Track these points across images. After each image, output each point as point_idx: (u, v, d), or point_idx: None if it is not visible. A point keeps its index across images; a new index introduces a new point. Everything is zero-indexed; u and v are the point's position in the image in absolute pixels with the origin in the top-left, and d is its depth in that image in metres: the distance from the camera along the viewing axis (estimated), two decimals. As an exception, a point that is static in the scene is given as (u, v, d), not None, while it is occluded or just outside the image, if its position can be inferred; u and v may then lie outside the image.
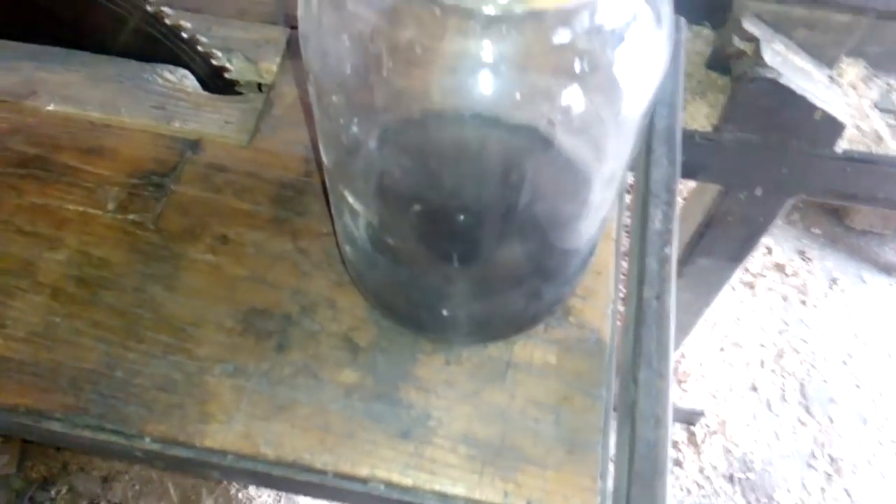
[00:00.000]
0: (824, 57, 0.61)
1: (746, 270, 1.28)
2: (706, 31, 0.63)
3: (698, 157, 0.63)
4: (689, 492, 1.08)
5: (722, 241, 0.76)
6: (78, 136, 0.43)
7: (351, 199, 0.29)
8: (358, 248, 0.33)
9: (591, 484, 0.33)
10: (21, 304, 0.37)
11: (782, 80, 0.56)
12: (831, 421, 1.15)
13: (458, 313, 0.34)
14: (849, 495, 1.09)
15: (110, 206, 0.40)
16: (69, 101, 0.45)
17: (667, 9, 0.27)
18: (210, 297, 0.37)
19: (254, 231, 0.40)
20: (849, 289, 1.28)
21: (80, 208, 0.40)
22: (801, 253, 1.31)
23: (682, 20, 0.54)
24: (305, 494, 0.68)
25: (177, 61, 0.47)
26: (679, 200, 0.47)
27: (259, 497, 1.00)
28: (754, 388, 1.17)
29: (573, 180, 0.29)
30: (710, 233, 0.74)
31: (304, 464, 0.33)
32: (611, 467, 0.34)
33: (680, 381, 1.15)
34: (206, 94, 0.46)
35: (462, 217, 0.28)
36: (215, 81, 0.47)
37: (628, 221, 0.44)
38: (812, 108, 0.57)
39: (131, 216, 0.40)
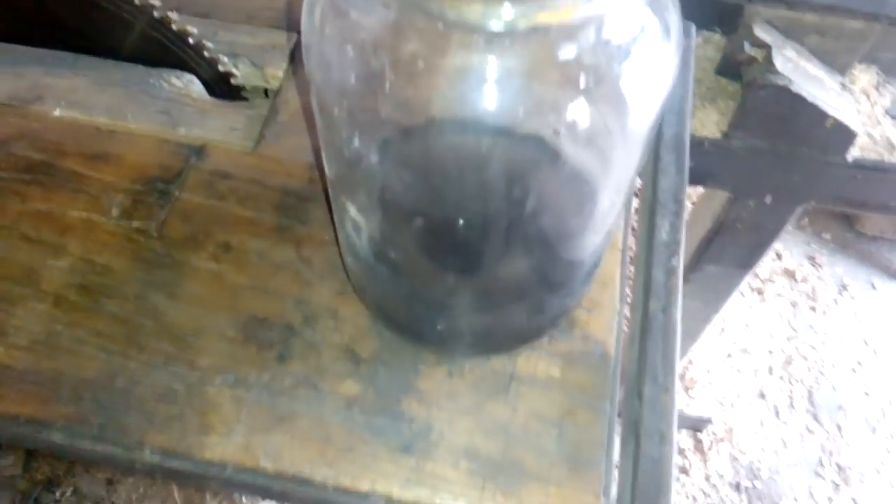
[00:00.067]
0: (836, 63, 0.60)
1: (755, 276, 1.27)
2: (717, 37, 0.63)
3: (707, 163, 0.63)
4: (694, 500, 1.07)
5: (731, 248, 0.75)
6: (83, 141, 0.43)
7: (353, 212, 0.29)
8: (360, 260, 0.33)
9: (593, 501, 0.33)
10: (23, 312, 0.36)
11: (793, 88, 0.55)
12: (839, 429, 1.14)
13: (462, 326, 0.34)
14: (857, 504, 1.08)
15: (114, 213, 0.40)
16: (75, 107, 0.45)
17: (675, 19, 0.26)
18: (212, 306, 0.37)
19: (257, 239, 0.40)
20: (859, 295, 1.27)
21: (85, 215, 0.40)
22: (811, 258, 1.30)
23: (692, 26, 0.53)
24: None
25: (183, 66, 0.47)
26: (687, 205, 0.46)
27: (262, 502, 1.00)
28: (762, 395, 1.16)
29: (578, 194, 0.29)
30: (719, 240, 0.74)
31: (303, 477, 0.33)
32: (614, 483, 0.34)
33: (687, 388, 1.15)
34: (211, 99, 0.46)
35: (466, 231, 0.28)
36: (221, 87, 0.47)
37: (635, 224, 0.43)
38: (823, 115, 0.57)
39: (135, 223, 0.40)
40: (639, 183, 0.46)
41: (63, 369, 0.35)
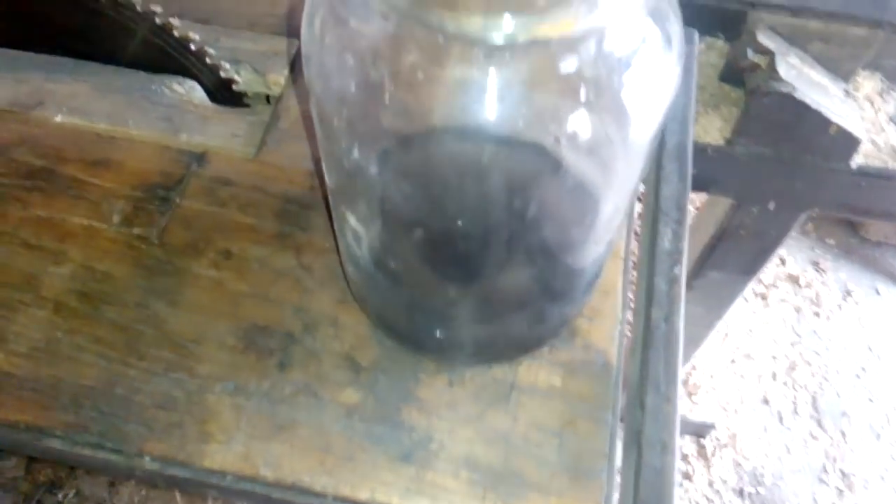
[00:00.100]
0: (840, 70, 0.60)
1: (759, 281, 1.26)
2: (720, 43, 0.62)
3: (710, 170, 0.63)
4: (697, 505, 1.07)
5: (734, 255, 0.75)
6: (85, 147, 0.43)
7: (353, 221, 0.29)
8: (360, 269, 0.33)
9: (594, 511, 0.33)
10: (24, 319, 0.36)
11: (797, 95, 0.55)
12: (843, 435, 1.13)
13: (462, 336, 0.34)
14: (860, 511, 1.07)
15: (115, 220, 0.40)
16: (77, 113, 0.45)
17: (676, 29, 0.26)
18: (212, 314, 0.37)
19: (257, 246, 0.39)
20: (863, 301, 1.27)
21: (85, 221, 0.40)
22: (815, 264, 1.30)
23: (695, 33, 0.53)
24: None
25: (185, 73, 0.47)
26: (691, 209, 0.46)
27: None
28: (766, 401, 1.16)
29: (579, 204, 0.28)
30: (722, 246, 0.74)
31: (303, 486, 0.32)
32: (616, 493, 0.34)
33: (690, 393, 1.14)
34: (213, 106, 0.46)
35: (466, 242, 0.27)
36: (223, 93, 0.47)
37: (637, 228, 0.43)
38: (827, 122, 0.57)
39: (136, 230, 0.40)
40: (641, 188, 0.45)
41: (63, 376, 0.35)
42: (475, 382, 0.36)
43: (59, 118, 0.44)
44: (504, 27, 0.20)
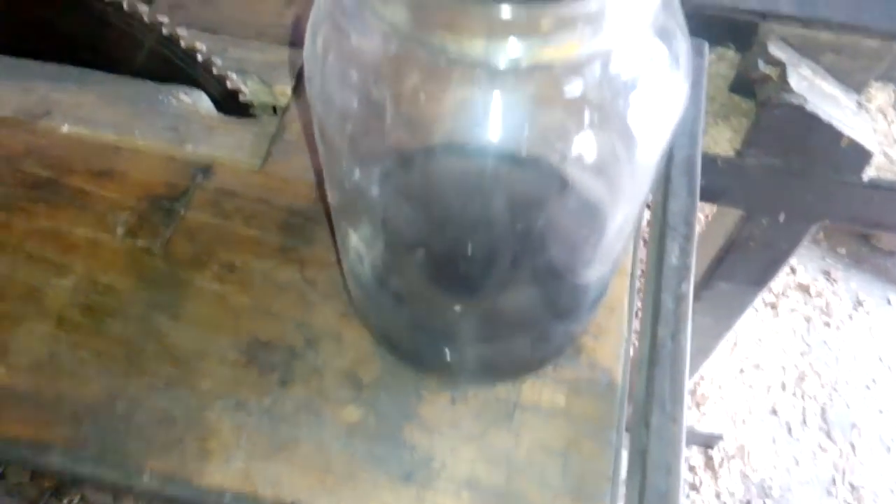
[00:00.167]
0: (852, 82, 0.59)
1: (769, 290, 1.25)
2: (731, 54, 0.62)
3: (720, 181, 0.62)
4: (704, 517, 1.06)
5: (743, 266, 0.74)
6: (90, 158, 0.43)
7: (355, 240, 0.29)
8: (363, 287, 0.32)
9: (598, 534, 0.32)
10: (26, 332, 0.36)
11: (808, 107, 0.55)
12: (853, 447, 1.12)
13: (466, 355, 0.34)
14: (870, 525, 1.06)
15: (119, 232, 0.40)
16: (83, 122, 0.45)
17: (684, 47, 0.26)
18: (214, 328, 0.37)
19: (261, 259, 0.39)
20: (874, 311, 1.25)
21: (90, 233, 0.40)
22: (826, 273, 1.29)
23: (706, 44, 0.53)
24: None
25: (192, 83, 0.46)
26: (700, 217, 0.45)
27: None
28: (774, 412, 1.15)
29: (584, 225, 0.28)
30: (732, 257, 0.73)
31: (303, 505, 0.32)
32: (619, 516, 0.33)
33: (698, 404, 1.13)
34: (219, 116, 0.46)
35: (469, 263, 0.27)
36: (229, 104, 0.47)
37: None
38: (838, 135, 0.56)
39: (139, 242, 0.40)
40: (649, 197, 0.45)
41: (64, 391, 0.35)
42: (478, 400, 0.35)
43: (65, 128, 0.44)
44: (507, 51, 0.20)
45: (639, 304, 0.41)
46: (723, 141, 0.61)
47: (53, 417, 0.34)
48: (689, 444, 1.09)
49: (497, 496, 0.33)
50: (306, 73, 0.25)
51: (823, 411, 1.15)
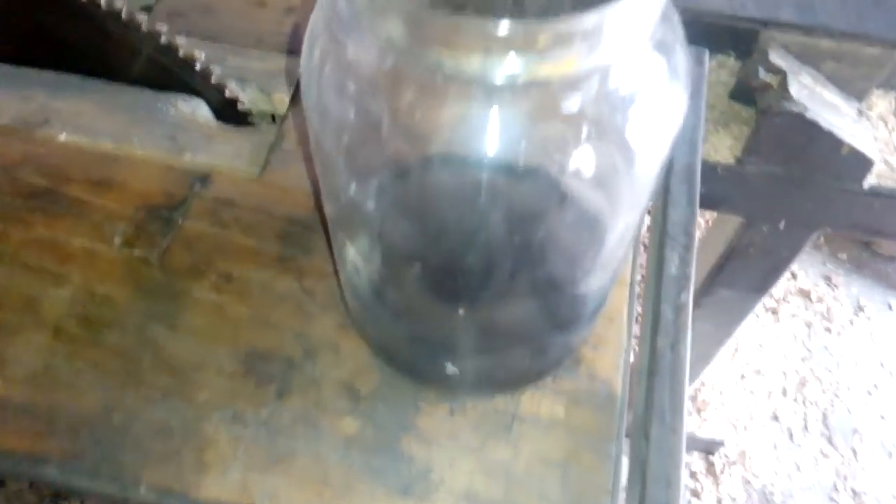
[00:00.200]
0: (853, 90, 0.59)
1: (770, 296, 1.25)
2: (731, 61, 0.62)
3: (720, 189, 0.62)
4: (705, 524, 1.05)
5: (743, 273, 0.74)
6: (88, 167, 0.43)
7: (352, 253, 0.29)
8: (360, 299, 0.32)
9: (597, 548, 0.32)
10: (22, 343, 0.36)
11: (809, 115, 0.55)
12: (854, 453, 1.12)
13: (464, 367, 0.33)
14: (872, 531, 1.06)
15: (116, 241, 0.40)
16: (81, 131, 0.45)
17: (683, 59, 0.26)
18: (212, 339, 0.37)
19: (259, 269, 0.39)
20: (875, 316, 1.25)
21: (87, 243, 0.40)
22: (827, 278, 1.28)
23: (706, 52, 0.52)
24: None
25: (190, 91, 0.46)
26: (700, 222, 0.45)
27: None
28: (775, 418, 1.14)
29: (583, 238, 0.28)
30: (732, 264, 0.73)
31: (300, 518, 0.32)
32: (619, 529, 0.33)
33: (699, 410, 1.13)
34: (218, 124, 0.46)
35: (466, 277, 0.27)
36: (228, 112, 0.46)
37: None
38: (839, 143, 0.56)
39: (136, 252, 0.40)
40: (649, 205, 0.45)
41: (60, 403, 0.34)
42: (476, 411, 0.35)
43: (63, 137, 0.44)
44: (504, 67, 0.20)
45: (639, 308, 0.40)
46: (723, 148, 0.61)
47: (49, 429, 0.34)
48: (690, 450, 1.09)
49: (495, 509, 0.33)
50: (303, 85, 0.25)
51: (825, 417, 1.15)
